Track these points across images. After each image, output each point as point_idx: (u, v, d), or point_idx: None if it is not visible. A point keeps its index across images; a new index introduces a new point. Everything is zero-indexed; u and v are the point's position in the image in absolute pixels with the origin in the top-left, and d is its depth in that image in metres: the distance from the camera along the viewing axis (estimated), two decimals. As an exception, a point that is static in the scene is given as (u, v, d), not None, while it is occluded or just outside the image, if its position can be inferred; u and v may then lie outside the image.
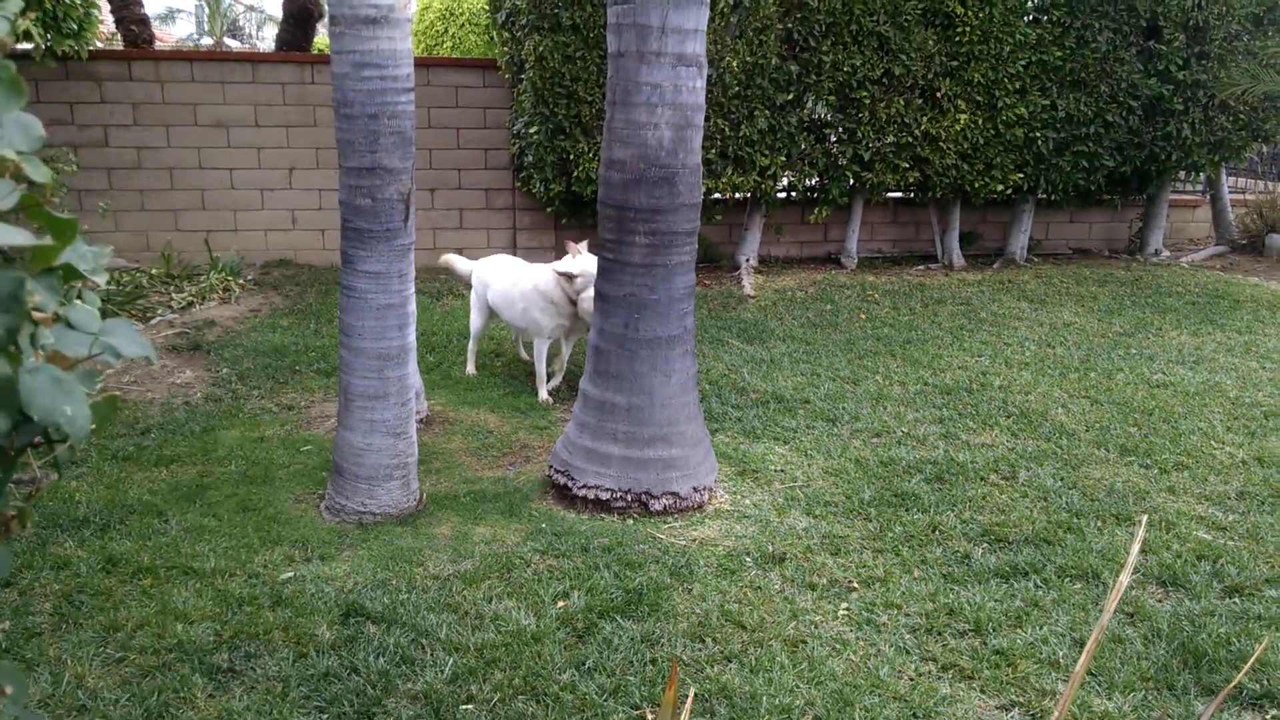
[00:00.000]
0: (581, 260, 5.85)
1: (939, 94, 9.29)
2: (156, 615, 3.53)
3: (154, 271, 8.58)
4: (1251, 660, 3.25)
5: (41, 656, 3.27)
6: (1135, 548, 1.71)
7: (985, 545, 4.23)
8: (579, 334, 6.25)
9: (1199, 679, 3.30)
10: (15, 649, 3.32)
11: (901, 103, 9.16)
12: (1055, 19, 9.33)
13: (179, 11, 29.77)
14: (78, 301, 0.94)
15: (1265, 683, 3.26)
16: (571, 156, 8.64)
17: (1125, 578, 1.73)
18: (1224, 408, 5.95)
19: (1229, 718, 3.12)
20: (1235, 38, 9.71)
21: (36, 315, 0.85)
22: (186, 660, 3.26)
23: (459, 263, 6.93)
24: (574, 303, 5.91)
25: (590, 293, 5.36)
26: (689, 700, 1.63)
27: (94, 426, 0.86)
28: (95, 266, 0.95)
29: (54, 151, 8.18)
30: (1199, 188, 12.15)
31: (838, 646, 3.44)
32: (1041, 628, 3.57)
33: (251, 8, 30.88)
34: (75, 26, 8.09)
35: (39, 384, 0.80)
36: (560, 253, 10.06)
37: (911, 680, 3.28)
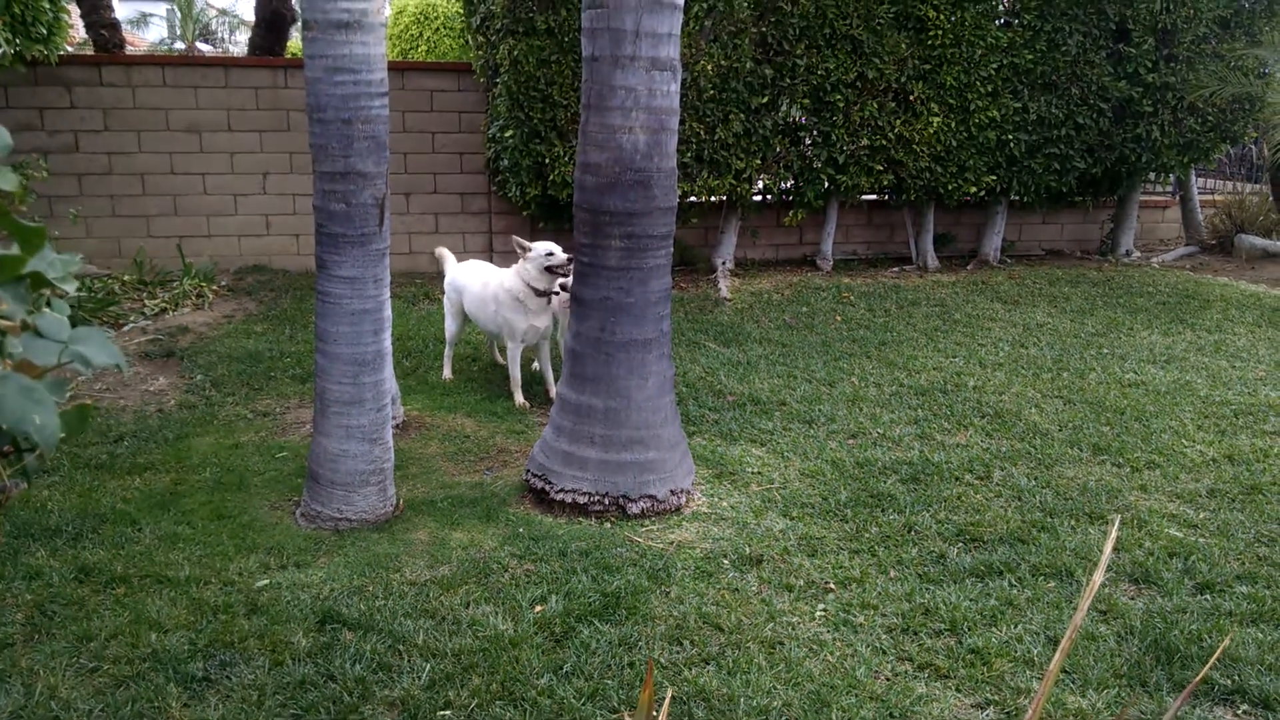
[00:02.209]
0: (538, 243, 5.93)
1: (912, 97, 9.35)
2: (130, 625, 3.50)
3: (126, 278, 8.51)
4: (1216, 654, 3.29)
5: (13, 667, 3.24)
6: (1108, 547, 1.73)
7: (960, 545, 4.26)
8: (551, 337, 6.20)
9: (1171, 675, 3.33)
10: (-14, 660, 3.29)
11: (875, 106, 9.22)
12: (1026, 22, 9.41)
13: (151, 16, 29.54)
14: (46, 310, 0.93)
15: (1236, 678, 3.29)
16: (547, 160, 8.64)
17: (1099, 577, 1.75)
18: (1194, 406, 6.01)
19: (1202, 713, 3.16)
20: (1203, 40, 9.84)
21: (3, 324, 0.85)
22: (161, 670, 3.24)
23: (449, 262, 6.82)
24: (543, 294, 5.87)
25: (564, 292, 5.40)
26: (665, 701, 1.64)
27: (64, 435, 0.85)
28: (64, 275, 0.94)
29: (23, 158, 8.10)
30: (1169, 189, 12.29)
31: (815, 647, 3.46)
32: (1016, 626, 3.60)
33: (224, 12, 30.67)
34: (44, 31, 8.01)
35: (7, 392, 0.79)
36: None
37: (888, 680, 3.29)
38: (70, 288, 0.94)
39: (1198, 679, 1.65)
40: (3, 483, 0.99)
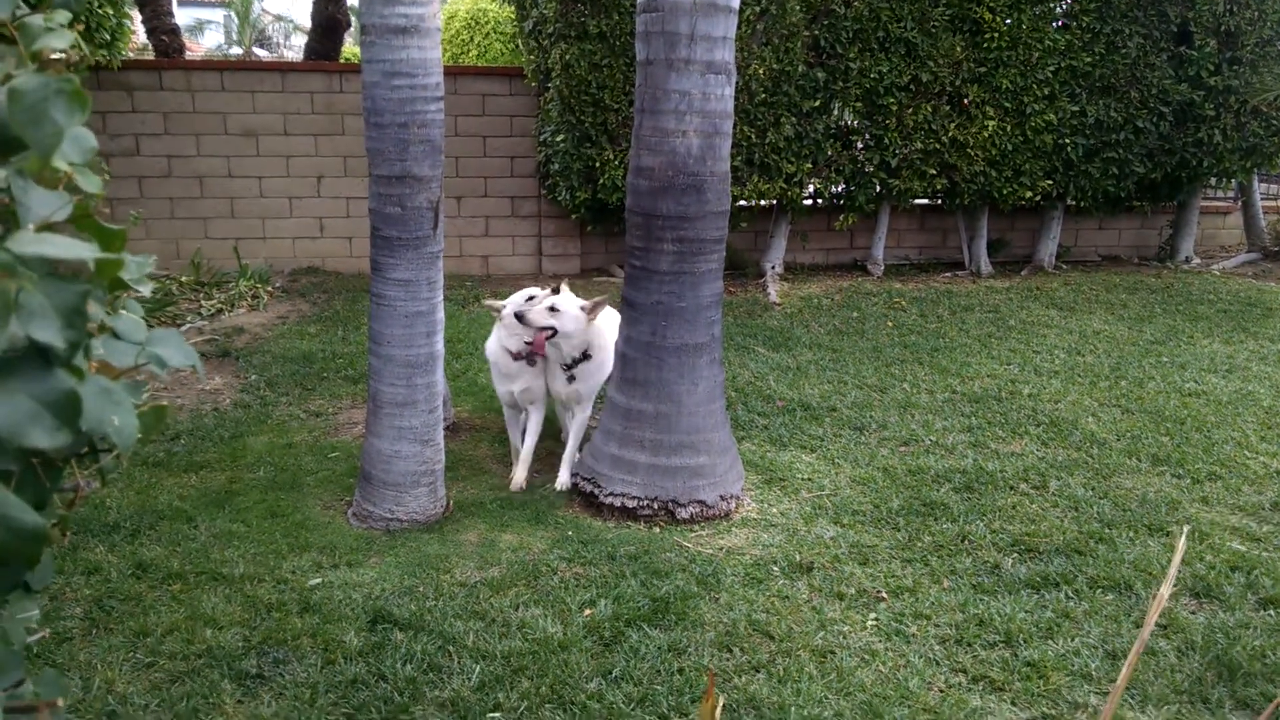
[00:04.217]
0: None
1: (967, 100, 9.24)
2: (186, 621, 3.55)
3: (184, 279, 8.66)
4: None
5: (72, 661, 3.30)
6: (1176, 560, 1.69)
7: (1015, 555, 4.19)
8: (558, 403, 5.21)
9: (1234, 692, 3.25)
10: (46, 654, 3.35)
11: (929, 109, 9.12)
12: (1085, 25, 9.26)
13: (208, 23, 30.08)
14: (123, 312, 0.95)
15: (1303, 697, 3.20)
16: (597, 164, 8.66)
17: (1166, 590, 1.71)
18: (1257, 417, 5.87)
19: (1266, 733, 3.07)
20: (1268, 43, 9.61)
21: (89, 325, 0.86)
22: (215, 666, 3.28)
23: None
24: (518, 357, 4.87)
25: (571, 345, 4.77)
26: (718, 709, 1.62)
27: (140, 437, 0.86)
28: (139, 276, 0.96)
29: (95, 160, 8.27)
30: (1230, 194, 12.02)
31: (866, 657, 3.42)
32: (1073, 639, 3.53)
33: (280, 18, 31.14)
34: (108, 37, 8.20)
35: (87, 394, 0.80)
36: (585, 259, 10.10)
37: (941, 692, 3.25)
38: (146, 289, 0.95)
39: (1275, 705, 1.60)
40: (75, 482, 1.00)
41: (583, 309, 4.78)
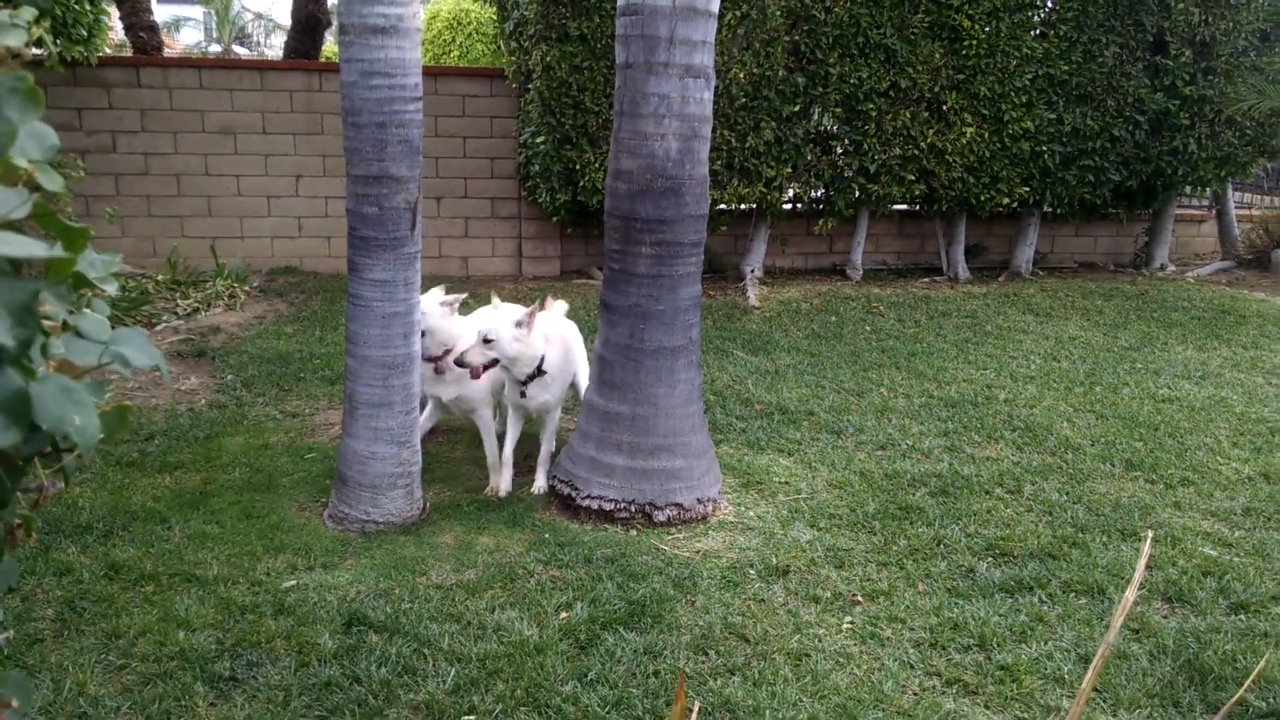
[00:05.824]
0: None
1: (945, 107, 9.29)
2: (159, 623, 3.52)
3: (160, 277, 8.60)
4: (1253, 675, 3.22)
5: (43, 663, 3.26)
6: (1141, 564, 1.70)
7: (990, 559, 4.21)
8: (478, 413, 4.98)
9: (1204, 696, 3.27)
10: (16, 655, 3.32)
11: (908, 115, 9.17)
12: (1062, 33, 9.34)
13: (187, 20, 29.88)
14: (87, 310, 0.94)
15: (1272, 700, 3.23)
16: (577, 166, 8.66)
17: (1131, 594, 1.72)
18: (1230, 423, 5.93)
19: (1235, 736, 3.10)
20: (1242, 53, 9.73)
21: (46, 324, 0.85)
22: (188, 668, 3.25)
23: None
24: (435, 360, 4.77)
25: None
26: (694, 714, 1.62)
27: (103, 437, 0.85)
28: (104, 275, 0.95)
29: (61, 158, 8.20)
30: (1205, 203, 12.15)
31: (841, 660, 3.43)
32: (1046, 643, 3.55)
33: (260, 16, 30.98)
34: (84, 33, 8.13)
35: (47, 393, 0.79)
36: (565, 261, 10.09)
37: (915, 695, 3.26)
38: (111, 288, 0.95)
39: (1232, 702, 1.62)
40: (40, 482, 0.99)
41: (518, 324, 4.57)
